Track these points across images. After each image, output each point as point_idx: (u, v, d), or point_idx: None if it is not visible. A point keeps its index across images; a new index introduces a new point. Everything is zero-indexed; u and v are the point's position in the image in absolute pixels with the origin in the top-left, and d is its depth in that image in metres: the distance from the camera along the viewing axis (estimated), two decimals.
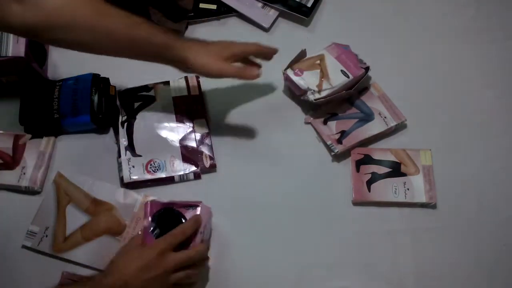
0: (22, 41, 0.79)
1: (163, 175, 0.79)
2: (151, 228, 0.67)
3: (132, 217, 0.76)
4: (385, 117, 0.83)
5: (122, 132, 0.81)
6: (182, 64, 0.73)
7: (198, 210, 0.69)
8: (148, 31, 0.70)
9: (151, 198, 0.77)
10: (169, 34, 0.72)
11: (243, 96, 0.84)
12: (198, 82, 0.86)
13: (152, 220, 0.68)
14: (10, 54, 0.78)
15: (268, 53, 0.78)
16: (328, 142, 0.81)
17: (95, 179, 0.78)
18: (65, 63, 0.88)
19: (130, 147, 0.80)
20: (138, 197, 0.77)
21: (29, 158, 0.79)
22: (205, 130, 0.82)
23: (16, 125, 0.83)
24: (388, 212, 0.77)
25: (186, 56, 0.71)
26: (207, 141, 0.82)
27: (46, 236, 0.74)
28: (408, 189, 0.77)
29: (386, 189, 0.78)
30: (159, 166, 0.79)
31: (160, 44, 0.70)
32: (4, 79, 0.84)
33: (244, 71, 0.75)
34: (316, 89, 0.81)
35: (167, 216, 0.69)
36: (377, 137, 0.83)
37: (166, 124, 0.82)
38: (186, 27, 0.93)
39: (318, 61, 0.84)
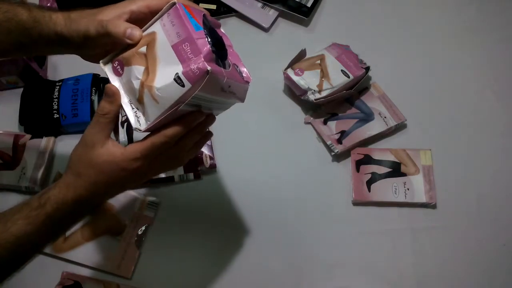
0: None
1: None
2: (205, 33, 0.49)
3: (132, 217, 0.76)
4: (385, 117, 0.83)
5: (122, 132, 0.81)
6: (63, 44, 0.55)
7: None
8: (7, 8, 0.55)
9: (150, 198, 0.77)
10: (40, 9, 0.55)
11: None
12: None
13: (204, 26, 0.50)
14: None
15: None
16: (328, 142, 0.81)
17: None
18: (65, 63, 0.88)
19: None
20: (138, 197, 0.77)
21: (29, 158, 0.79)
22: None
23: (16, 125, 0.83)
24: (388, 212, 0.77)
25: (57, 28, 0.53)
26: None
27: None
28: (408, 189, 0.77)
29: (386, 189, 0.78)
30: None
31: (26, 21, 0.54)
32: (4, 79, 0.84)
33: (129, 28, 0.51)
34: (316, 89, 0.81)
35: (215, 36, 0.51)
36: (377, 137, 0.83)
37: None
38: None
39: (318, 61, 0.84)
